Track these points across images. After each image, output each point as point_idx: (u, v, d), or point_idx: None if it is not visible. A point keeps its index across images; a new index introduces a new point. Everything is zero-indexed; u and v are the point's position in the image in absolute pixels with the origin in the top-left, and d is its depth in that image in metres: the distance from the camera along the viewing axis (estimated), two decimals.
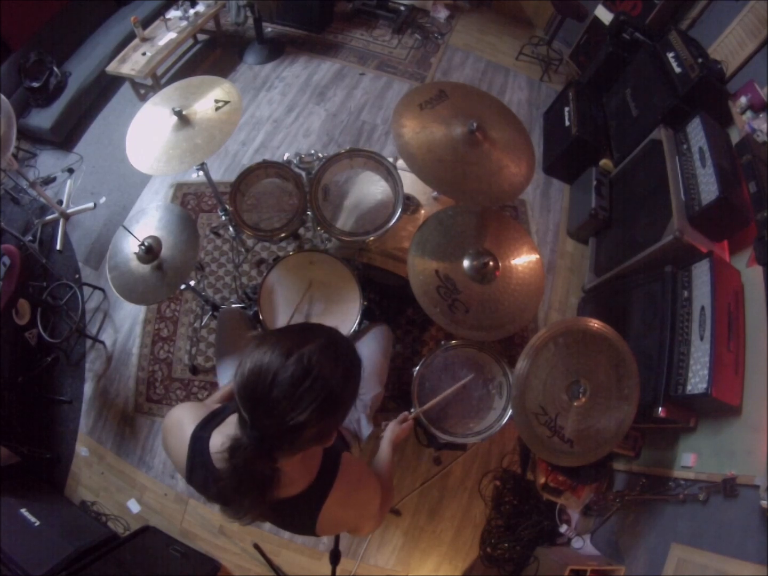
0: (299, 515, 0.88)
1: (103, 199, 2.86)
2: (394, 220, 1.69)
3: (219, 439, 0.81)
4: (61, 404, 2.31)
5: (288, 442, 0.71)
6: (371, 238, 1.71)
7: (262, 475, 0.71)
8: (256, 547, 2.00)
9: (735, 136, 2.15)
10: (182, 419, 0.91)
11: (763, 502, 1.33)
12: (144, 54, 3.05)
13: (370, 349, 1.56)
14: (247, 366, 0.70)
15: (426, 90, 1.63)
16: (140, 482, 2.16)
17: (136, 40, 3.12)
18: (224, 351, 1.57)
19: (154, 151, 1.66)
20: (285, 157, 1.92)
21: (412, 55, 3.72)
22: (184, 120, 1.69)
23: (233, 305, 2.32)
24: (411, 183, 1.85)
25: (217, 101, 1.73)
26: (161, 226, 1.67)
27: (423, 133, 1.51)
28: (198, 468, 0.86)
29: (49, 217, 2.77)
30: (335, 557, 1.37)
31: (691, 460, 1.72)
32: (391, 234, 1.76)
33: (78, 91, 3.07)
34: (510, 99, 3.49)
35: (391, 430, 1.32)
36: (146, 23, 3.22)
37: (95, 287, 2.54)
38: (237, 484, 0.71)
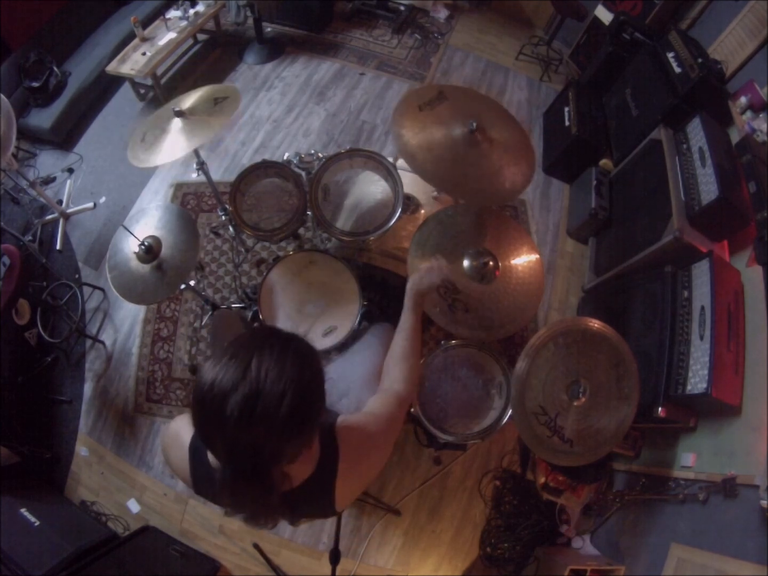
0: (315, 499, 0.87)
1: (102, 199, 2.86)
2: (394, 220, 1.69)
3: None
4: (61, 404, 2.30)
5: (277, 462, 0.69)
6: (371, 238, 1.71)
7: (265, 495, 0.71)
8: (256, 546, 2.00)
9: (735, 136, 2.15)
10: (179, 432, 0.90)
11: (763, 502, 1.33)
12: (144, 54, 3.05)
13: (372, 349, 1.56)
14: (198, 418, 0.67)
15: (425, 91, 1.63)
16: (140, 482, 2.16)
17: (136, 40, 3.12)
18: None
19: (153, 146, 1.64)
20: (285, 157, 1.92)
21: (412, 55, 3.72)
22: (183, 115, 1.68)
23: (233, 305, 2.32)
24: (411, 183, 1.85)
25: (216, 99, 1.73)
26: (161, 225, 1.67)
27: (423, 134, 1.51)
28: (202, 480, 0.85)
29: (48, 217, 2.77)
30: (335, 557, 1.37)
31: (691, 459, 1.71)
32: (391, 234, 1.77)
33: (78, 91, 3.07)
34: (510, 99, 3.49)
35: (416, 279, 1.13)
36: (146, 23, 3.22)
37: (95, 287, 2.54)
38: (245, 508, 0.73)
